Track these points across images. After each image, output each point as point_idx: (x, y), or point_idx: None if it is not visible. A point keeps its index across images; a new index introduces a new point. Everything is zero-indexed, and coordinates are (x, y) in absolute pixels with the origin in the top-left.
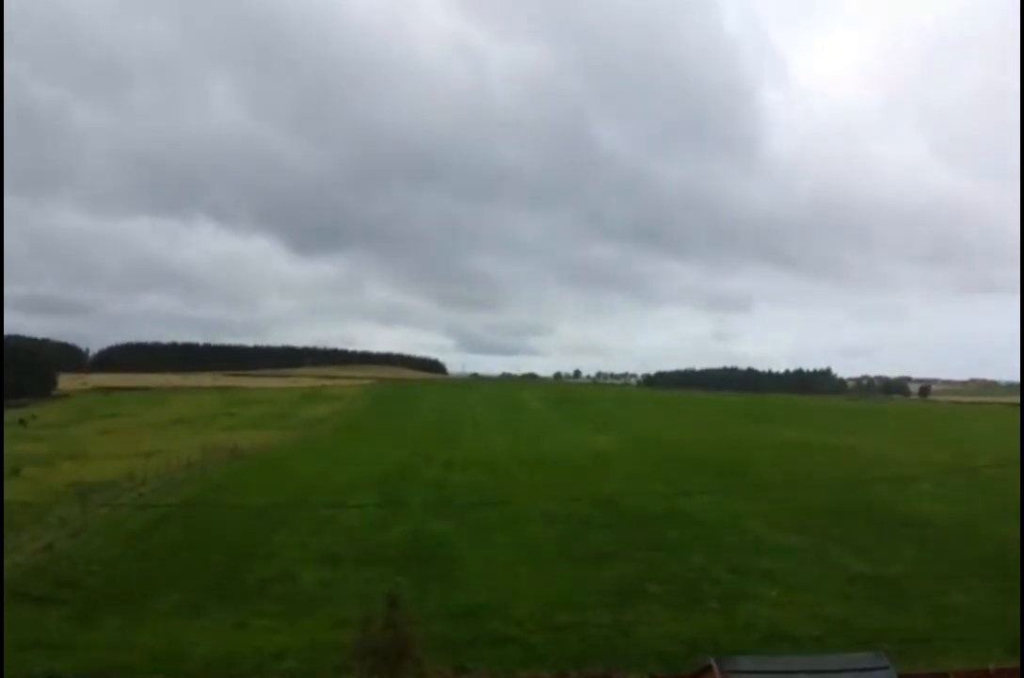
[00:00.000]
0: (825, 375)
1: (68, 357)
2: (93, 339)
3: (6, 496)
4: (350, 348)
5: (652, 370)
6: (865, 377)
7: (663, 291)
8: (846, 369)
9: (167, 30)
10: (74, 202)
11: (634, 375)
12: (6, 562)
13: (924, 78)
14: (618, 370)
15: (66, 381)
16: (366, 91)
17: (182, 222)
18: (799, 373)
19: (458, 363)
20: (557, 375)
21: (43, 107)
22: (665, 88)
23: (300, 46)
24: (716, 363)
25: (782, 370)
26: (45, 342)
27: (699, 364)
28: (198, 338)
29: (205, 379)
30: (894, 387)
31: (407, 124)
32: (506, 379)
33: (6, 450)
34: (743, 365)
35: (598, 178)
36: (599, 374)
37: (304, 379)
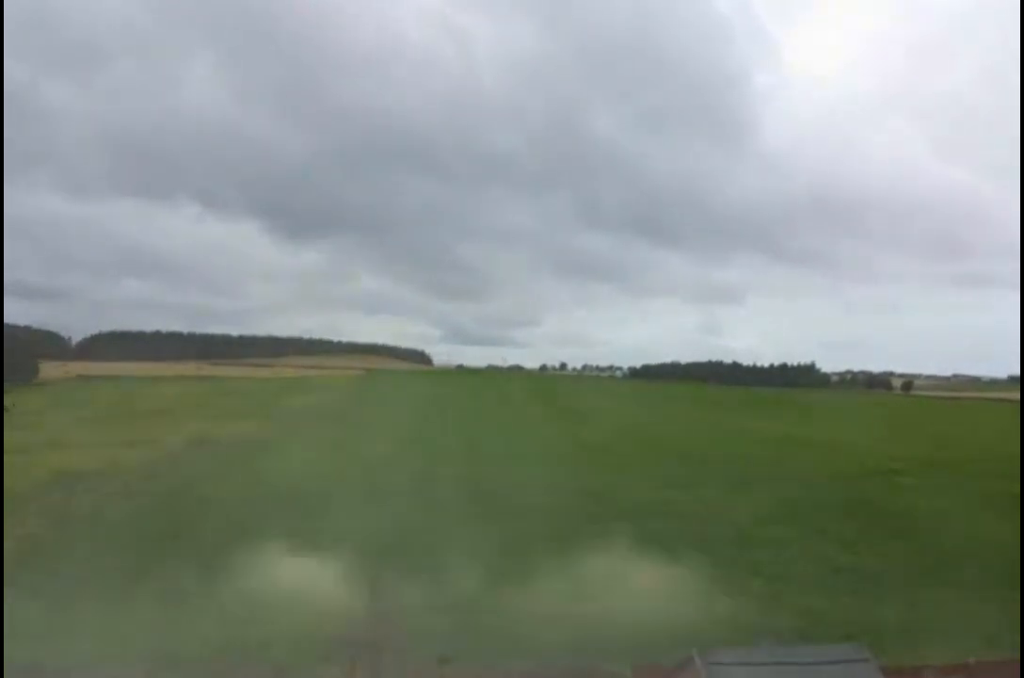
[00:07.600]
0: (809, 369)
1: (49, 344)
2: (75, 326)
3: None
4: (335, 338)
5: (638, 363)
6: (849, 371)
7: (651, 282)
8: (832, 363)
9: (147, 7)
10: (52, 185)
11: (619, 368)
12: None
13: (924, 67)
14: (604, 362)
15: (48, 369)
16: (353, 74)
17: (164, 207)
18: (783, 367)
19: (444, 354)
20: (543, 367)
21: (17, 86)
22: (657, 74)
23: (285, 27)
24: (701, 356)
25: (766, 364)
26: (26, 329)
27: (684, 357)
28: (181, 326)
29: (189, 368)
30: (877, 382)
31: (395, 109)
32: (492, 370)
33: None
34: (728, 359)
35: (588, 166)
36: (585, 366)
37: (289, 369)
